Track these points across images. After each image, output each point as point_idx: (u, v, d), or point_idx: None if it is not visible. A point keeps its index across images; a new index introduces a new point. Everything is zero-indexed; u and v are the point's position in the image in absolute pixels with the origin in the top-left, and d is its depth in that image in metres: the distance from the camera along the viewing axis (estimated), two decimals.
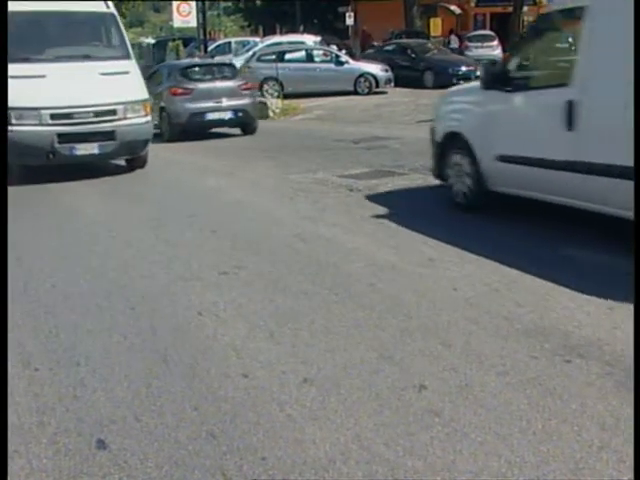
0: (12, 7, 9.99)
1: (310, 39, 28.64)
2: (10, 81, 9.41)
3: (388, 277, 5.57)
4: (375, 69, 23.34)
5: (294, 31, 35.81)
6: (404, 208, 7.84)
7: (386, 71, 23.24)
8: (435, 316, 4.73)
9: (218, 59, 25.70)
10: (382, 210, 7.71)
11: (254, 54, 24.30)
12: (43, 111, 9.83)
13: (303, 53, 24.39)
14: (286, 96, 20.77)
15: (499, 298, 5.01)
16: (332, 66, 23.23)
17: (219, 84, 15.30)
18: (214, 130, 15.51)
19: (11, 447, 3.29)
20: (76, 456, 3.24)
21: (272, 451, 3.23)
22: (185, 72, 15.54)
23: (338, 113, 18.64)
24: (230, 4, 55.74)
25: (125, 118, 10.29)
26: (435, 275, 5.58)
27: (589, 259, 5.82)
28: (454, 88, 8.90)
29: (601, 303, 4.82)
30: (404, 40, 29.14)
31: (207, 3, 28.61)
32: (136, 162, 11.02)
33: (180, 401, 3.71)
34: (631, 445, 2.99)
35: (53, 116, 9.87)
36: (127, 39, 11.49)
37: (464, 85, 8.90)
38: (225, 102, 14.96)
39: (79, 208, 8.47)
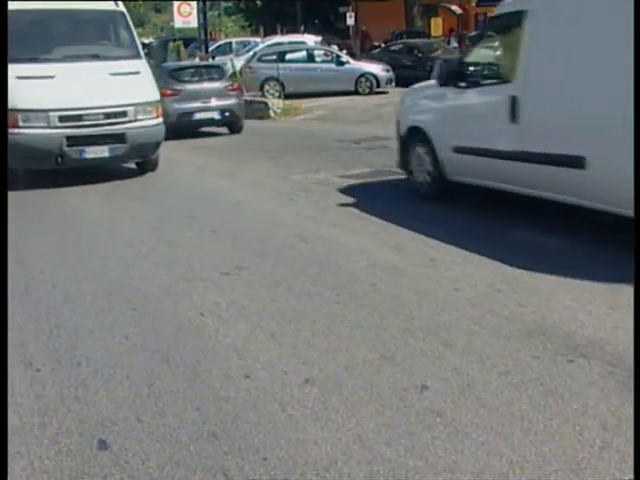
0: (18, 5, 9.87)
1: (311, 39, 28.64)
2: (17, 82, 9.27)
3: (389, 277, 5.57)
4: (376, 69, 23.33)
5: (295, 31, 35.77)
6: (404, 207, 7.84)
7: (387, 71, 23.23)
8: (436, 316, 4.73)
9: (219, 59, 25.73)
10: (385, 210, 7.70)
11: (255, 54, 24.30)
12: (51, 113, 9.49)
13: (304, 53, 24.39)
14: (287, 96, 20.76)
15: (501, 298, 5.01)
16: (333, 66, 23.23)
17: (206, 85, 15.67)
18: (203, 129, 15.72)
19: (13, 448, 3.29)
20: (77, 457, 3.24)
21: (274, 451, 3.23)
22: (174, 74, 15.73)
23: (339, 113, 18.64)
24: (231, 4, 55.72)
25: (136, 120, 9.96)
26: (436, 275, 5.58)
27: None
28: (416, 85, 9.33)
29: (603, 303, 4.82)
30: (411, 40, 29.11)
31: (208, 3, 28.59)
32: (147, 165, 10.69)
33: (182, 401, 3.71)
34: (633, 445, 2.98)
35: (62, 118, 9.54)
36: (137, 38, 11.14)
37: (425, 82, 9.34)
38: (212, 102, 15.34)
39: (80, 209, 8.46)
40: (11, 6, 9.56)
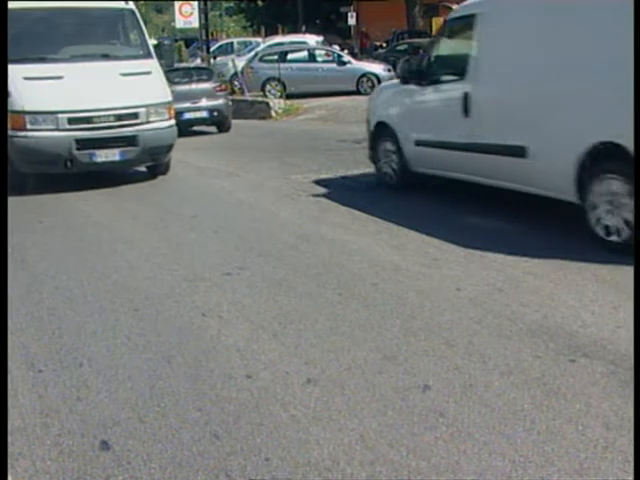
0: (24, 4, 9.67)
1: (312, 39, 28.63)
2: (24, 83, 9.10)
3: (391, 277, 5.56)
4: (377, 69, 23.33)
5: (296, 31, 35.79)
6: (405, 208, 7.84)
7: (389, 71, 23.20)
8: (438, 316, 4.73)
9: (220, 59, 25.77)
10: (386, 210, 7.70)
11: (256, 54, 24.31)
12: (60, 115, 9.15)
13: (305, 53, 24.40)
14: (288, 96, 20.77)
15: (503, 298, 5.00)
16: (334, 66, 23.23)
17: (195, 86, 16.13)
18: (194, 129, 15.97)
19: (15, 449, 3.30)
20: (80, 457, 3.24)
21: (276, 452, 3.23)
22: (165, 75, 15.85)
23: (340, 113, 18.62)
24: (232, 5, 55.75)
25: (148, 122, 9.62)
26: (439, 275, 5.58)
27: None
28: (383, 83, 9.99)
29: (605, 302, 4.82)
30: (416, 39, 29.07)
31: (209, 4, 28.59)
32: (158, 169, 10.31)
33: (184, 402, 3.71)
34: None
35: (71, 120, 9.21)
36: (147, 37, 10.76)
37: (391, 81, 9.84)
38: (201, 102, 15.82)
39: (81, 210, 8.46)
40: (16, 4, 9.40)
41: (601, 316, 4.60)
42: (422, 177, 8.37)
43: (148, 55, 10.33)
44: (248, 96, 20.24)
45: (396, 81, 9.21)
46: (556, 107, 6.33)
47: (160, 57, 10.70)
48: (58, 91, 9.23)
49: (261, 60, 23.31)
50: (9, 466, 3.10)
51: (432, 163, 8.11)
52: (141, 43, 10.52)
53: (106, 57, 10.06)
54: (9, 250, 6.21)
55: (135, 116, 9.53)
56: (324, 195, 8.66)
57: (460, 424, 3.39)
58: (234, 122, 16.57)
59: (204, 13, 24.01)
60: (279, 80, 22.13)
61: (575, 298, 4.93)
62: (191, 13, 23.34)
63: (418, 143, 8.23)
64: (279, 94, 21.41)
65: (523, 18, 6.86)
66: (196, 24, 23.85)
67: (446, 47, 8.32)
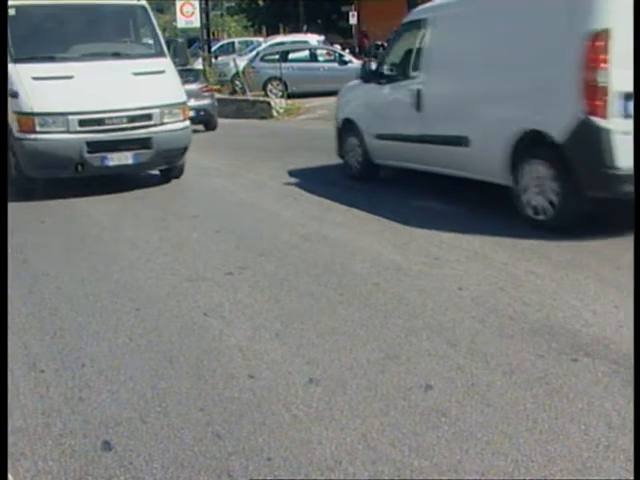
0: (29, 1, 9.43)
1: (313, 38, 28.64)
2: (33, 83, 8.78)
3: (393, 277, 5.56)
4: None
5: (297, 31, 35.80)
6: (402, 206, 7.84)
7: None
8: (441, 315, 4.72)
9: (222, 59, 25.77)
10: (388, 211, 7.70)
11: (258, 54, 24.31)
12: (71, 117, 8.74)
13: (307, 53, 24.41)
14: (290, 96, 20.77)
15: (505, 297, 5.00)
16: (336, 65, 23.23)
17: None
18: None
19: (17, 449, 3.29)
20: (82, 458, 3.24)
21: (278, 452, 3.22)
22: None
23: None
24: (233, 4, 55.72)
25: (162, 123, 9.21)
26: (440, 274, 5.57)
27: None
28: (349, 83, 10.48)
29: (607, 301, 4.82)
30: None
31: (210, 3, 28.60)
32: (172, 172, 9.93)
33: (186, 402, 3.71)
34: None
35: (82, 122, 8.79)
36: (161, 35, 10.28)
37: (355, 81, 10.27)
38: (189, 103, 15.71)
39: (83, 209, 8.46)
40: (23, 2, 9.24)
41: (603, 315, 4.59)
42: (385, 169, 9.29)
43: (161, 53, 9.95)
44: (249, 96, 20.23)
45: (360, 81, 9.82)
46: (491, 101, 7.15)
47: (174, 55, 10.33)
48: (68, 91, 8.87)
49: (262, 60, 23.32)
50: (11, 466, 3.10)
51: (391, 155, 8.90)
52: (154, 41, 10.12)
53: (118, 55, 9.65)
54: (10, 250, 6.23)
55: (149, 117, 9.16)
56: (325, 195, 8.65)
57: (462, 423, 3.39)
58: (234, 122, 16.61)
59: (205, 13, 24.05)
60: (280, 80, 22.13)
61: (577, 297, 4.93)
62: (192, 13, 23.36)
63: (378, 137, 9.02)
64: (280, 94, 21.41)
65: (463, 23, 7.72)
66: (197, 24, 23.88)
67: (401, 48, 8.99)
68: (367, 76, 9.32)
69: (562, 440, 3.21)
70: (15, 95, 8.75)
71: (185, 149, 9.63)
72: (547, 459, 3.08)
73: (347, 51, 26.68)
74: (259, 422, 3.47)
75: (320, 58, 23.97)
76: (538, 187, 6.58)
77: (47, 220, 7.94)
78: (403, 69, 8.70)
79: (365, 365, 4.05)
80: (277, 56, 22.96)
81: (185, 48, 12.58)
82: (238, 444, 3.29)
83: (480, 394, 3.66)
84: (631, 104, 5.93)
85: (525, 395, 3.63)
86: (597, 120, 6.03)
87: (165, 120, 9.26)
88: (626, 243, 5.53)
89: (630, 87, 5.86)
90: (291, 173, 10.28)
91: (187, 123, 9.66)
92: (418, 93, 8.05)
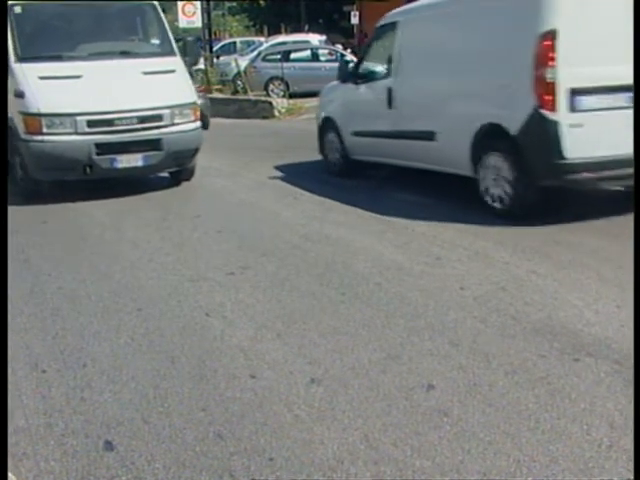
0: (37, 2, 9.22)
1: (315, 38, 28.63)
2: (40, 82, 8.54)
3: (395, 276, 5.56)
4: None
5: (299, 30, 35.79)
6: (402, 205, 7.85)
7: None
8: (442, 315, 4.72)
9: (223, 59, 25.76)
10: (389, 210, 7.70)
11: (259, 54, 24.31)
12: (79, 117, 8.49)
13: (308, 52, 24.39)
14: (291, 95, 20.76)
15: (507, 297, 4.99)
16: (337, 65, 23.20)
17: None
18: None
19: (19, 449, 3.30)
20: (83, 458, 3.24)
21: (280, 452, 3.22)
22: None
23: None
24: (235, 4, 55.72)
25: (172, 124, 8.97)
26: (442, 274, 5.57)
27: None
28: (330, 83, 10.88)
29: (609, 301, 4.81)
30: None
31: (212, 3, 28.58)
32: (183, 174, 9.69)
33: (187, 402, 3.71)
34: None
35: (90, 123, 8.54)
36: (170, 33, 9.99)
37: (335, 81, 10.68)
38: None
39: (84, 210, 8.45)
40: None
41: (605, 315, 4.59)
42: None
43: (171, 52, 9.67)
44: (251, 96, 20.23)
45: (338, 81, 10.35)
46: (455, 97, 7.65)
47: (184, 54, 10.12)
48: (76, 91, 8.62)
49: (264, 59, 23.31)
50: (13, 466, 3.10)
51: (367, 151, 9.41)
52: (163, 39, 9.86)
53: (127, 54, 9.40)
54: (12, 250, 6.23)
55: (159, 118, 8.93)
56: (326, 194, 8.65)
57: (464, 423, 3.38)
58: (236, 122, 16.58)
59: (207, 12, 24.04)
60: (282, 79, 22.12)
61: (579, 297, 4.92)
62: (194, 13, 23.33)
63: (355, 134, 9.55)
64: (282, 93, 21.40)
65: (430, 26, 8.30)
66: (199, 24, 23.85)
67: (375, 50, 9.57)
68: (345, 77, 9.92)
69: (564, 440, 3.21)
70: (21, 95, 8.55)
71: (196, 150, 9.41)
72: (549, 459, 3.08)
73: (349, 51, 26.65)
74: (261, 422, 3.47)
75: (322, 58, 23.95)
76: (496, 177, 7.13)
77: (48, 220, 7.94)
78: (377, 69, 9.23)
79: (367, 365, 4.04)
80: (279, 56, 22.95)
81: (195, 47, 12.32)
82: (240, 444, 3.29)
83: (482, 394, 3.66)
84: (578, 99, 6.53)
85: (527, 395, 3.63)
86: (547, 113, 6.55)
87: (176, 121, 9.05)
88: (626, 243, 5.53)
89: (577, 83, 6.50)
90: (292, 173, 10.28)
91: (198, 124, 9.43)
92: (390, 92, 8.59)
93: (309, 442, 3.29)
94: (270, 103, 18.85)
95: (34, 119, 8.50)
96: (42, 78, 8.56)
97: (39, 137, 8.49)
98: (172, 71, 9.35)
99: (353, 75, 9.69)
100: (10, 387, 3.81)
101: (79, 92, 8.61)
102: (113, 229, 7.50)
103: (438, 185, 8.33)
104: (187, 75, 9.73)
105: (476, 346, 4.22)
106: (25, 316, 5.01)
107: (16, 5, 8.97)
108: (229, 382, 3.90)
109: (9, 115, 8.78)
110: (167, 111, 8.97)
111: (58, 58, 8.91)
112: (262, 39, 31.75)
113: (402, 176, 8.98)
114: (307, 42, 27.15)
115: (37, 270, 6.12)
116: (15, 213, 7.76)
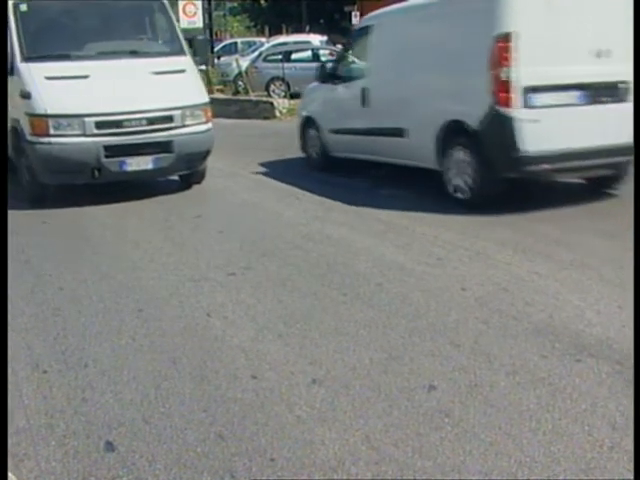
0: None
1: (316, 39, 28.63)
2: (46, 83, 8.30)
3: (396, 277, 5.55)
4: None
5: (300, 31, 35.79)
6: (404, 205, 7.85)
7: None
8: (444, 316, 4.72)
9: (224, 59, 25.77)
10: (391, 210, 7.71)
11: (260, 54, 24.31)
12: (87, 119, 8.23)
13: (309, 53, 24.37)
14: (292, 96, 20.73)
15: (508, 297, 4.99)
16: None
17: None
18: None
19: (20, 450, 3.30)
20: (85, 458, 3.24)
21: (281, 452, 3.22)
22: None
23: None
24: (236, 4, 55.76)
25: (183, 126, 8.71)
26: (444, 274, 5.57)
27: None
28: (311, 84, 11.44)
29: (611, 301, 4.81)
30: None
31: (213, 3, 28.61)
32: (193, 177, 9.43)
33: (189, 403, 3.71)
34: None
35: (99, 124, 8.29)
36: (180, 31, 9.79)
37: (315, 82, 11.19)
38: None
39: (85, 210, 8.44)
40: None
41: (606, 316, 4.59)
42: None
43: (181, 51, 9.41)
44: (252, 96, 20.23)
45: (318, 82, 10.94)
46: (423, 96, 8.19)
47: (194, 53, 9.91)
48: (84, 92, 8.34)
49: (265, 60, 23.31)
50: (14, 467, 3.10)
51: (344, 147, 9.96)
52: (172, 38, 9.60)
53: (136, 54, 9.13)
54: (13, 251, 6.23)
55: (170, 119, 8.66)
56: (327, 194, 8.65)
57: (466, 424, 3.38)
58: (237, 122, 16.57)
59: (208, 13, 24.06)
60: (283, 80, 22.12)
61: (580, 297, 4.92)
62: (195, 13, 23.35)
63: (333, 131, 10.13)
64: (283, 94, 21.39)
65: (401, 29, 8.78)
66: (200, 24, 23.85)
67: (353, 52, 10.30)
68: (323, 77, 10.56)
69: (565, 441, 3.21)
70: (27, 96, 8.32)
71: (208, 153, 9.16)
72: (550, 460, 3.07)
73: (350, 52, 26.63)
74: (262, 423, 3.47)
75: (323, 58, 23.87)
76: (459, 170, 7.67)
77: (49, 220, 7.94)
78: (353, 70, 9.87)
79: (368, 365, 4.04)
80: (280, 56, 22.94)
81: (206, 46, 12.03)
82: (241, 445, 3.29)
83: (483, 394, 3.66)
84: (534, 96, 7.07)
85: (528, 395, 3.62)
86: (505, 110, 7.08)
87: (187, 122, 8.79)
88: (627, 243, 5.53)
89: (532, 82, 7.03)
90: (293, 173, 10.28)
91: (210, 125, 9.13)
92: (364, 91, 9.16)
93: (310, 442, 3.29)
94: (271, 103, 18.83)
95: (41, 120, 8.26)
96: (49, 78, 8.35)
97: (46, 139, 8.23)
98: (182, 71, 9.11)
99: (331, 76, 10.28)
100: (11, 387, 3.82)
101: (87, 92, 8.36)
102: (114, 229, 7.50)
103: (408, 178, 8.97)
104: (198, 75, 9.53)
105: (477, 347, 4.22)
106: (26, 316, 5.01)
107: (21, 3, 8.82)
108: (230, 383, 3.90)
109: (15, 116, 8.64)
110: (178, 112, 8.71)
111: (65, 57, 8.67)
112: (263, 39, 31.79)
113: (402, 175, 9.04)
114: (308, 42, 27.15)
115: (38, 270, 6.11)
116: (16, 213, 7.77)
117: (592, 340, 4.22)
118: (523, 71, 7.00)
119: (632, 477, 2.90)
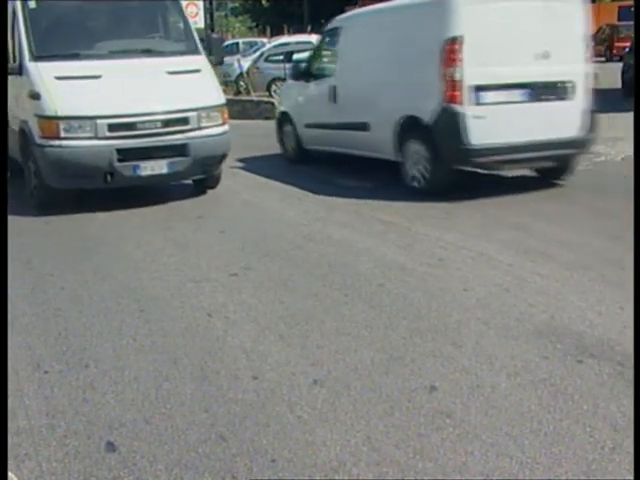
0: None
1: (317, 39, 28.58)
2: (56, 83, 7.99)
3: (398, 277, 5.55)
4: None
5: (301, 31, 35.75)
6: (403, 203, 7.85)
7: None
8: (445, 317, 4.72)
9: (226, 60, 25.69)
10: (391, 210, 7.71)
11: (262, 54, 24.30)
12: (99, 121, 7.88)
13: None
14: None
15: (510, 298, 4.98)
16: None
17: None
18: None
19: (21, 450, 3.30)
20: (85, 459, 3.23)
21: (282, 453, 3.22)
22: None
23: None
24: (237, 5, 55.81)
25: (199, 128, 8.41)
26: (445, 275, 5.56)
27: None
28: (287, 82, 12.54)
29: (612, 303, 4.80)
30: None
31: (215, 4, 28.62)
32: (208, 181, 9.12)
33: (190, 403, 3.70)
34: None
35: (112, 127, 7.94)
36: (194, 30, 9.46)
37: (291, 80, 12.07)
38: None
39: (86, 210, 8.42)
40: None
41: (608, 316, 4.58)
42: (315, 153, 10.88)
43: (196, 50, 9.10)
44: (254, 96, 20.22)
45: (293, 80, 11.75)
46: (384, 93, 8.84)
47: (209, 53, 9.63)
48: (96, 93, 8.02)
49: (266, 60, 23.29)
50: (15, 467, 3.10)
51: (316, 141, 10.62)
52: (187, 37, 9.29)
53: (149, 53, 8.83)
54: (14, 251, 6.23)
55: (185, 121, 8.34)
56: (329, 194, 8.65)
57: (467, 425, 3.38)
58: (238, 122, 16.52)
59: (209, 13, 24.05)
60: (284, 80, 22.09)
61: (582, 298, 4.91)
62: (196, 13, 23.33)
63: (306, 126, 10.77)
64: None
65: (365, 31, 9.47)
66: (201, 24, 23.83)
67: (324, 51, 10.99)
68: (297, 75, 11.29)
69: (567, 442, 3.20)
70: (36, 97, 8.01)
71: (224, 156, 8.90)
72: (552, 461, 3.07)
73: None
74: (263, 423, 3.47)
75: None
76: (415, 161, 8.42)
77: (50, 221, 7.93)
78: (324, 69, 10.61)
79: (369, 366, 4.04)
80: (281, 57, 22.89)
81: (221, 45, 11.72)
82: (242, 445, 3.29)
83: (485, 395, 3.65)
84: (481, 94, 7.77)
85: (530, 396, 3.62)
86: (454, 107, 7.79)
87: (203, 124, 8.48)
88: (627, 244, 5.52)
89: (479, 81, 7.73)
90: (294, 173, 10.28)
91: (226, 127, 8.84)
92: (334, 89, 9.84)
93: (311, 443, 3.28)
94: (273, 104, 18.81)
95: (51, 122, 7.92)
96: (59, 78, 8.03)
97: (56, 142, 7.89)
98: (197, 71, 8.80)
99: (304, 74, 10.97)
100: (12, 388, 3.82)
101: (99, 93, 8.04)
102: (115, 229, 7.50)
103: (373, 170, 9.63)
104: (214, 75, 9.19)
105: (479, 348, 4.22)
106: (27, 317, 5.01)
107: (30, 0, 8.56)
108: (231, 383, 3.90)
109: (23, 118, 8.40)
110: (193, 114, 8.39)
111: (76, 57, 8.33)
112: (265, 40, 31.73)
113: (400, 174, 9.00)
114: (310, 43, 27.07)
115: (39, 270, 6.12)
116: (16, 214, 7.77)
117: (593, 341, 4.22)
118: (470, 71, 7.70)
119: (633, 478, 2.90)
